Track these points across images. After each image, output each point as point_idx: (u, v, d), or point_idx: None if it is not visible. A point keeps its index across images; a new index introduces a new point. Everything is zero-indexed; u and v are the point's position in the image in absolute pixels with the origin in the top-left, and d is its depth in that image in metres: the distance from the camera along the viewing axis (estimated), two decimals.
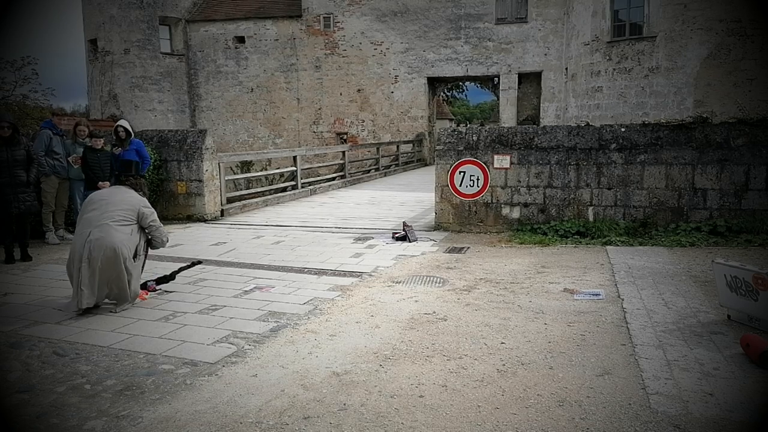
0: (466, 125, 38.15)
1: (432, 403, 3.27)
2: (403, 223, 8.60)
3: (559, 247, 7.66)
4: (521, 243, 7.92)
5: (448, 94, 39.88)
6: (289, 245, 7.97)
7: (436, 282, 5.94)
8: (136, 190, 5.47)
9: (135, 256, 5.15)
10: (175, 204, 10.36)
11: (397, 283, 5.92)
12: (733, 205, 7.93)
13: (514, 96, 25.50)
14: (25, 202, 7.15)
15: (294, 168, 14.39)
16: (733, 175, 7.91)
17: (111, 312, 4.97)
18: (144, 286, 5.47)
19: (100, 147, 8.14)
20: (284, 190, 14.14)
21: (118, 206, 5.18)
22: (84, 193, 8.43)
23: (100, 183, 8.18)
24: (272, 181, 16.93)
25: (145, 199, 5.48)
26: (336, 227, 9.51)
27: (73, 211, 8.65)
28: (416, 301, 5.26)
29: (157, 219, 5.43)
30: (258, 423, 3.08)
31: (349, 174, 18.02)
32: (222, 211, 10.75)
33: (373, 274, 6.34)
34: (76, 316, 4.88)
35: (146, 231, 5.33)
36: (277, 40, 27.73)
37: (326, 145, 26.55)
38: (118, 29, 26.77)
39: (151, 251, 5.64)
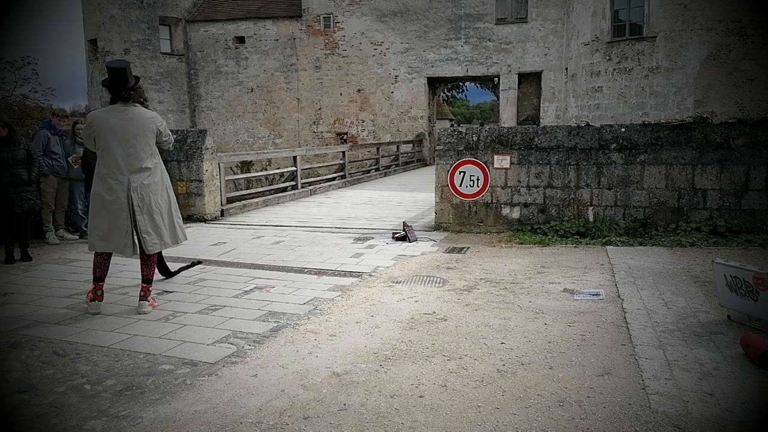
0: (459, 125, 38.11)
1: (432, 403, 3.27)
2: (403, 223, 8.60)
3: (559, 247, 7.66)
4: (521, 243, 7.92)
5: (448, 94, 39.87)
6: (289, 245, 7.97)
7: (436, 282, 5.94)
8: (142, 104, 5.04)
9: None
10: None
11: (397, 283, 5.92)
12: (733, 206, 7.93)
13: (514, 96, 25.50)
14: (28, 201, 7.16)
15: (294, 168, 14.39)
16: (733, 176, 7.91)
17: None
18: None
19: None
20: (284, 190, 14.14)
21: (140, 138, 4.90)
22: (85, 193, 8.45)
23: None
24: (272, 182, 16.93)
25: (156, 114, 5.15)
26: (336, 227, 9.51)
27: (73, 212, 8.65)
28: (416, 301, 5.26)
29: (167, 128, 5.25)
30: (258, 423, 3.08)
31: (349, 174, 18.02)
32: (222, 211, 10.75)
33: (373, 274, 6.34)
34: (76, 316, 4.88)
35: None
36: (277, 40, 27.73)
37: (326, 145, 26.56)
38: (118, 29, 26.79)
39: None
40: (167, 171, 5.28)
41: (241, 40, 28.16)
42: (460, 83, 31.78)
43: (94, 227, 4.96)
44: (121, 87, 4.91)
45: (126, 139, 4.87)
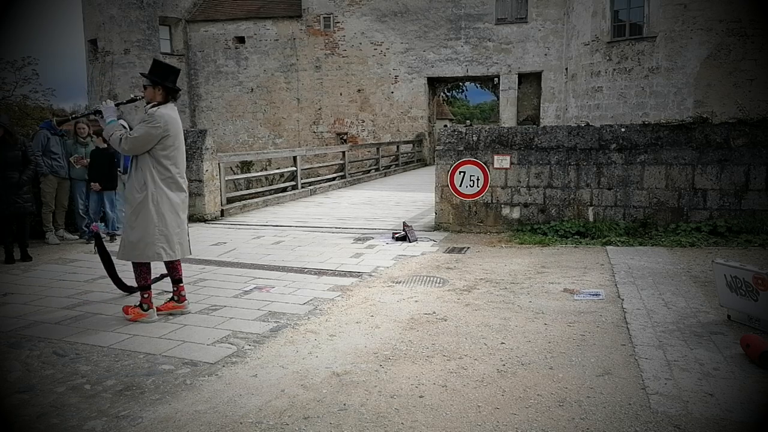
0: (454, 125, 38.01)
1: (432, 403, 3.27)
2: (403, 223, 8.60)
3: (559, 248, 7.66)
4: (521, 243, 7.92)
5: (448, 94, 39.84)
6: (289, 245, 7.97)
7: (436, 282, 5.94)
8: None
9: None
10: None
11: (397, 283, 5.92)
12: (733, 206, 7.93)
13: (514, 96, 25.51)
14: (15, 204, 7.04)
15: (294, 168, 14.40)
16: (733, 176, 7.91)
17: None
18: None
19: (105, 146, 8.12)
20: (284, 190, 14.14)
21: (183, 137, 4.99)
22: (86, 193, 8.44)
23: (92, 184, 8.23)
24: (272, 182, 16.93)
25: None
26: (336, 227, 9.51)
27: (74, 212, 8.64)
28: (416, 301, 5.26)
29: None
30: (258, 423, 3.08)
31: (349, 174, 18.02)
32: (222, 211, 10.75)
33: (373, 274, 6.33)
34: (76, 316, 4.88)
35: None
36: (277, 40, 27.73)
37: (326, 145, 26.55)
38: (118, 29, 26.79)
39: None
40: None
41: (241, 40, 28.16)
42: (460, 83, 31.78)
43: (162, 234, 4.68)
44: (175, 86, 4.84)
45: (183, 139, 4.98)
